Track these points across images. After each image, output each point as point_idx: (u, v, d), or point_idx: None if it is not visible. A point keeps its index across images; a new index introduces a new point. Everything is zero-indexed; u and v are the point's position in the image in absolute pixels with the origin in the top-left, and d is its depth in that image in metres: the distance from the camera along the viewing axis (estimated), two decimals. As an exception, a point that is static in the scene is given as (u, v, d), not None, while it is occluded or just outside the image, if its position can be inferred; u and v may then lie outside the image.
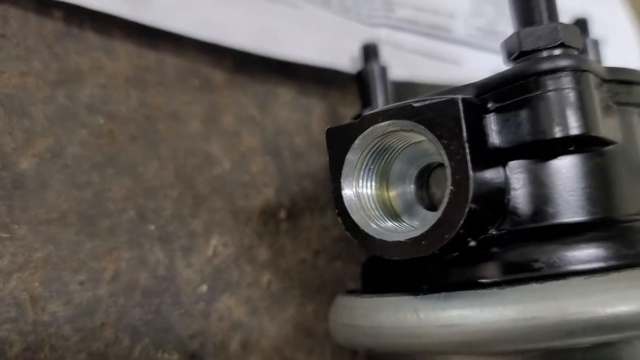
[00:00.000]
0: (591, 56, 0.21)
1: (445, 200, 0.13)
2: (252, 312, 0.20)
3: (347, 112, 0.25)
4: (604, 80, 0.15)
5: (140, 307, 0.18)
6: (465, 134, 0.13)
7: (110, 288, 0.18)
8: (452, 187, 0.13)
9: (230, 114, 0.22)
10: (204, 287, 0.19)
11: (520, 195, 0.15)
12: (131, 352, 0.18)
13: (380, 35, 0.25)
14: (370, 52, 0.21)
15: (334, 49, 0.23)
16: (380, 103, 0.21)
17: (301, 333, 0.21)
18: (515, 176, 0.15)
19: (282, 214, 0.22)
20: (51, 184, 0.18)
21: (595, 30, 0.31)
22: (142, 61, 0.21)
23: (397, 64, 0.24)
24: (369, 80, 0.21)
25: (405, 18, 0.26)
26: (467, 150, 0.13)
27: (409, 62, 0.25)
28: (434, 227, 0.13)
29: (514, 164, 0.15)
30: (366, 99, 0.21)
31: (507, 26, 0.28)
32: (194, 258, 0.20)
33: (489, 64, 0.27)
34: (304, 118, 0.24)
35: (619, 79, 0.16)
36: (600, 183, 0.15)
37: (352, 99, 0.24)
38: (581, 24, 0.22)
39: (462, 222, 0.13)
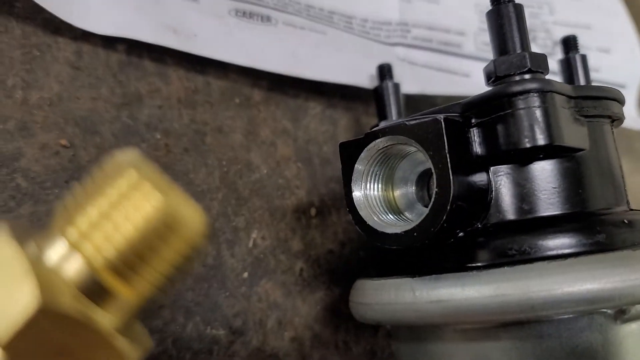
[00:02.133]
0: (578, 70, 0.24)
1: (432, 200, 0.17)
2: (287, 295, 0.24)
3: (370, 122, 0.28)
4: (571, 97, 0.18)
5: (192, 291, 0.22)
6: (446, 147, 0.16)
7: (169, 274, 0.22)
8: (437, 189, 0.17)
9: (267, 127, 0.26)
10: (246, 274, 0.23)
11: (500, 194, 0.18)
12: (185, 328, 0.22)
13: (397, 53, 0.28)
14: (384, 71, 0.25)
15: (355, 68, 0.27)
16: (394, 115, 0.24)
17: (329, 313, 0.24)
18: (496, 179, 0.18)
19: (312, 212, 0.26)
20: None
21: (600, 40, 0.33)
22: (191, 84, 0.25)
23: (411, 79, 0.27)
24: (383, 96, 0.24)
25: (419, 37, 0.29)
26: (448, 160, 0.16)
27: (423, 76, 0.28)
28: (423, 222, 0.17)
29: (494, 169, 0.18)
30: (382, 112, 0.25)
31: (515, 39, 0.30)
32: (237, 249, 0.23)
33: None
34: (331, 129, 0.27)
35: (584, 95, 0.19)
36: (569, 183, 0.18)
37: (373, 110, 0.28)
38: (570, 42, 0.24)
39: (444, 217, 0.16)
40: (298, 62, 0.26)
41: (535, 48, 0.30)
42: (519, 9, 0.18)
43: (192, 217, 0.13)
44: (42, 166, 0.21)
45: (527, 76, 0.18)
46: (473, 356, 0.18)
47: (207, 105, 0.25)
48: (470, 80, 0.29)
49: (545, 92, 0.17)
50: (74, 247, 0.12)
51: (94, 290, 0.12)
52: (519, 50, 0.18)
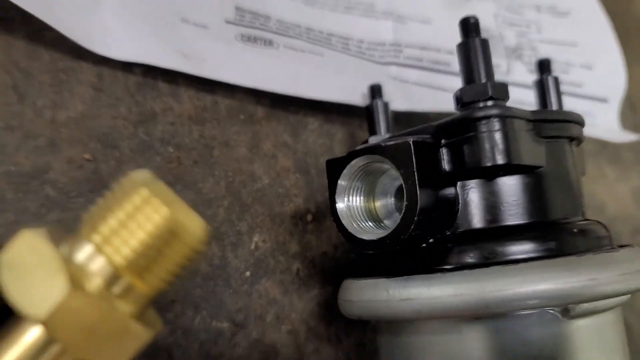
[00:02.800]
0: (551, 91, 0.26)
1: (402, 211, 0.19)
2: (285, 292, 0.26)
3: (364, 136, 0.30)
4: (529, 120, 0.21)
5: (200, 288, 0.25)
6: (414, 166, 0.19)
7: (179, 273, 0.25)
8: (406, 202, 0.19)
9: (269, 141, 0.28)
10: (248, 273, 0.26)
11: (467, 206, 0.21)
12: (193, 321, 0.25)
13: (390, 72, 0.31)
14: (375, 90, 0.27)
15: (350, 88, 0.29)
16: (383, 131, 0.27)
17: (322, 308, 0.27)
18: (463, 192, 0.21)
19: (309, 218, 0.28)
20: (137, 198, 0.25)
21: (584, 57, 0.35)
22: (201, 103, 0.27)
23: (403, 96, 0.30)
24: (373, 114, 0.27)
25: (411, 56, 0.31)
26: (416, 177, 0.19)
27: (413, 94, 0.30)
28: (394, 230, 0.19)
29: (461, 183, 0.21)
30: (372, 128, 0.27)
31: (499, 59, 0.33)
32: (240, 251, 0.26)
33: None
34: (328, 142, 0.30)
35: (543, 118, 0.21)
36: (529, 196, 0.21)
37: (367, 126, 0.30)
38: (544, 64, 0.26)
39: (412, 227, 0.19)
40: (298, 82, 0.28)
41: (521, 65, 0.32)
42: (484, 44, 0.21)
43: (194, 226, 0.16)
44: (68, 178, 0.24)
45: (489, 103, 0.20)
46: (440, 348, 0.20)
47: (215, 122, 0.27)
48: (458, 97, 0.32)
49: (505, 117, 0.20)
50: (98, 249, 0.15)
51: (114, 284, 0.15)
52: (483, 80, 0.20)
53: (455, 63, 0.30)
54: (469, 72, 0.21)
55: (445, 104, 0.31)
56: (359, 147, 0.21)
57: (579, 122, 0.23)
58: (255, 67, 0.28)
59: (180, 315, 0.25)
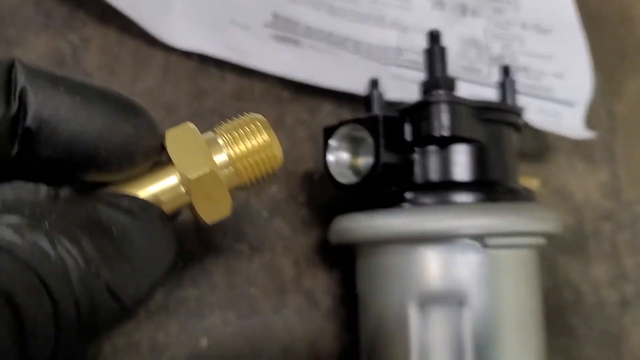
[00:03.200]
0: (508, 93, 0.33)
1: (370, 166, 0.27)
2: (292, 230, 0.34)
3: (366, 119, 0.38)
4: (472, 107, 0.28)
5: (228, 220, 0.34)
6: (380, 133, 0.27)
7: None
8: (374, 160, 0.27)
9: (291, 117, 0.37)
10: (265, 213, 0.34)
11: (423, 165, 0.29)
12: (222, 241, 0.34)
13: (390, 71, 0.39)
14: (373, 83, 0.35)
15: (357, 81, 0.37)
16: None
17: (320, 245, 0.34)
18: (421, 155, 0.29)
19: (316, 177, 0.36)
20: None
21: (556, 67, 0.42)
22: (240, 85, 0.36)
23: (397, 89, 0.37)
24: (370, 101, 0.35)
25: (409, 59, 0.39)
26: (381, 141, 0.27)
27: (406, 88, 0.38)
28: (364, 178, 0.27)
29: (419, 149, 0.28)
30: (368, 111, 0.35)
31: (483, 65, 0.40)
32: (262, 197, 0.35)
33: (468, 91, 0.40)
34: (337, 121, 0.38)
35: (482, 106, 0.29)
36: (470, 160, 0.28)
37: (369, 110, 0.38)
38: (506, 69, 0.34)
39: (376, 177, 0.27)
40: (317, 74, 0.37)
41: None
42: (442, 50, 0.29)
43: (279, 153, 0.23)
44: (142, 132, 0.33)
45: (440, 92, 0.28)
46: (396, 266, 0.28)
47: (251, 100, 0.36)
48: (445, 94, 0.39)
49: (450, 102, 0.28)
50: (225, 145, 0.22)
51: (226, 168, 0.22)
52: (439, 75, 0.28)
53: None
54: (429, 69, 0.29)
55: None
56: (345, 119, 0.29)
57: (515, 112, 0.30)
58: (284, 60, 0.36)
59: (212, 236, 0.33)
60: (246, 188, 0.23)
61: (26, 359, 0.14)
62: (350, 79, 0.37)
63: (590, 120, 0.46)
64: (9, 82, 0.16)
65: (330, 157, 0.29)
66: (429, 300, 0.28)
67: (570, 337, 0.41)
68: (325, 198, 0.36)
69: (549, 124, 0.41)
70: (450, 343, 0.27)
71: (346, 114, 0.38)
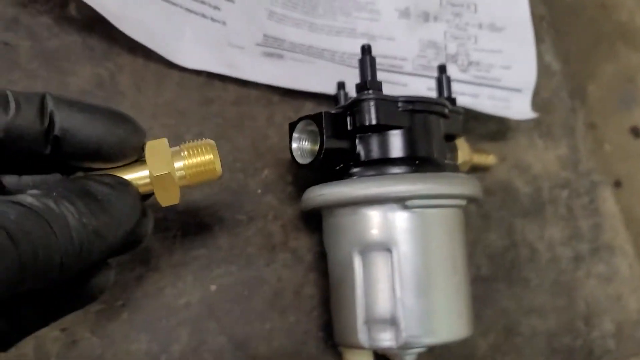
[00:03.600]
0: (444, 84, 0.42)
1: (317, 150, 0.37)
2: (280, 203, 0.44)
3: (342, 113, 0.48)
4: (397, 101, 0.37)
5: (229, 197, 0.44)
6: (323, 125, 0.36)
7: (221, 189, 0.44)
8: (319, 145, 0.37)
9: (279, 115, 0.47)
10: (259, 191, 0.44)
11: (362, 148, 0.38)
12: (223, 214, 0.44)
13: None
14: (339, 84, 0.45)
15: (332, 84, 0.47)
16: (342, 110, 0.44)
17: (303, 213, 0.45)
18: (360, 140, 0.38)
19: (302, 163, 0.46)
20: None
21: (505, 60, 0.50)
22: (239, 92, 0.46)
23: (364, 88, 0.46)
24: (338, 99, 0.45)
25: (377, 63, 0.48)
26: (324, 132, 0.36)
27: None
28: (314, 159, 0.37)
29: (359, 135, 0.38)
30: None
31: (439, 61, 0.49)
32: (256, 178, 0.44)
33: (425, 85, 0.48)
34: (318, 117, 0.48)
35: (407, 100, 0.37)
36: (400, 141, 0.37)
37: (344, 106, 0.48)
38: (442, 68, 0.42)
39: (321, 157, 0.36)
40: (298, 80, 0.46)
41: (454, 67, 0.48)
42: (372, 59, 0.38)
43: (218, 167, 0.30)
44: (162, 133, 0.44)
45: (370, 92, 0.37)
46: (346, 225, 0.38)
47: (246, 104, 0.46)
48: (407, 89, 0.48)
49: (376, 99, 0.37)
50: (182, 158, 0.30)
51: (179, 174, 0.29)
52: (368, 79, 0.37)
53: (407, 66, 0.47)
54: (361, 74, 0.38)
55: (395, 92, 0.48)
56: (303, 116, 0.39)
57: (440, 103, 0.39)
58: (271, 72, 0.46)
59: (218, 209, 0.44)
60: (192, 187, 0.31)
61: (33, 282, 0.21)
62: (326, 82, 0.47)
63: (552, 101, 0.53)
64: (43, 107, 0.25)
65: (294, 145, 0.39)
66: (368, 249, 0.37)
67: (525, 288, 0.49)
68: (307, 178, 0.46)
69: (499, 109, 0.48)
70: (385, 281, 0.37)
71: (325, 109, 0.48)
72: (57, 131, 0.26)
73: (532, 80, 0.49)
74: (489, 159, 0.48)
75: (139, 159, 0.30)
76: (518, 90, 0.49)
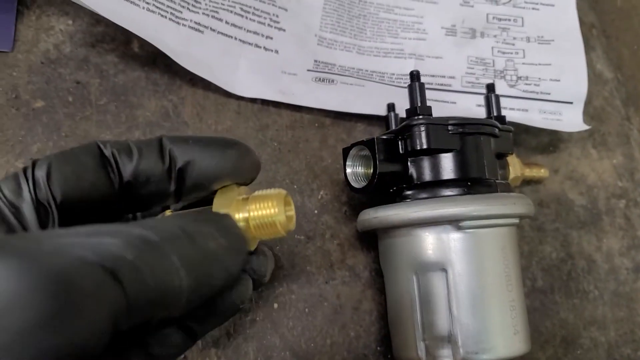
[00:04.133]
0: (493, 103, 0.43)
1: (370, 174, 0.38)
2: (337, 222, 0.46)
3: (393, 132, 0.49)
4: (446, 124, 0.38)
5: (291, 220, 0.46)
6: (376, 150, 0.38)
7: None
8: (373, 169, 0.38)
9: (332, 138, 0.49)
10: (316, 211, 0.46)
11: (415, 170, 0.39)
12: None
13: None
14: (389, 106, 0.46)
15: (382, 104, 0.48)
16: (394, 131, 0.46)
17: (359, 232, 0.47)
18: (412, 163, 0.39)
19: (355, 183, 0.48)
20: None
21: (554, 73, 0.50)
22: (293, 117, 0.48)
23: (414, 108, 0.48)
24: (388, 120, 0.46)
25: (425, 82, 0.49)
26: (377, 156, 0.38)
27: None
28: (368, 183, 0.38)
29: (412, 159, 0.39)
30: (388, 129, 0.46)
31: (488, 79, 0.50)
32: (312, 199, 0.46)
33: (474, 102, 0.49)
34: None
35: (457, 123, 0.38)
36: (452, 163, 0.38)
37: (395, 126, 0.49)
38: (490, 86, 0.43)
39: (375, 181, 0.38)
40: (348, 103, 0.48)
41: (503, 82, 0.49)
42: (421, 85, 0.39)
43: (289, 224, 0.30)
44: (223, 160, 0.46)
45: (420, 117, 0.38)
46: (401, 245, 0.39)
47: (300, 128, 0.48)
48: (456, 106, 0.49)
49: (426, 124, 0.38)
50: (248, 206, 0.29)
51: (242, 224, 0.29)
52: (418, 104, 0.39)
53: (455, 84, 0.48)
54: (411, 100, 0.39)
55: (449, 111, 0.49)
56: (355, 142, 0.40)
57: (489, 124, 0.40)
58: (322, 96, 0.48)
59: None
60: (257, 239, 0.30)
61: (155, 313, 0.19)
62: (376, 104, 0.48)
63: (605, 110, 0.53)
64: (161, 147, 0.27)
65: (348, 170, 0.41)
66: (423, 269, 0.38)
67: (583, 299, 0.49)
68: (362, 198, 0.47)
69: (551, 123, 0.49)
70: (441, 300, 0.38)
71: (376, 130, 0.50)
72: (179, 165, 0.27)
73: (583, 92, 0.49)
74: (541, 172, 0.48)
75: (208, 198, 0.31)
76: (569, 102, 0.49)
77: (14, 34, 0.44)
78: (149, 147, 0.28)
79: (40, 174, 0.25)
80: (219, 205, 0.28)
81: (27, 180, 0.25)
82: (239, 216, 0.28)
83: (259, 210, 0.28)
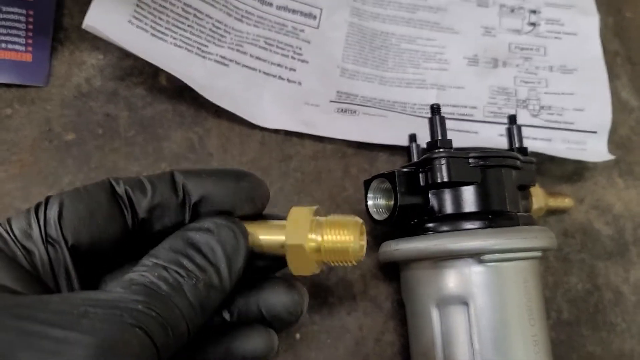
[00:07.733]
0: (514, 134, 0.43)
1: (392, 206, 0.39)
2: (360, 254, 0.47)
3: (415, 162, 0.49)
4: (466, 157, 0.38)
5: (314, 250, 0.46)
6: (397, 183, 0.38)
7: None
8: (394, 202, 0.38)
9: (355, 168, 0.49)
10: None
11: (436, 203, 0.39)
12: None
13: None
14: (411, 138, 0.46)
15: (404, 135, 0.48)
16: (415, 161, 0.46)
17: (380, 263, 0.47)
18: (433, 196, 0.39)
19: (378, 213, 0.48)
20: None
21: (578, 103, 0.50)
22: (315, 148, 0.49)
23: (435, 138, 0.48)
24: (411, 152, 0.46)
25: (446, 112, 0.50)
26: (397, 189, 0.38)
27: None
28: (389, 216, 0.39)
29: (432, 191, 0.39)
30: (410, 160, 0.46)
31: (510, 109, 0.50)
32: (335, 231, 0.47)
33: (496, 132, 0.49)
34: (391, 168, 0.49)
35: (478, 156, 0.38)
36: (472, 196, 0.38)
37: (417, 156, 0.49)
38: (512, 117, 0.43)
39: (396, 214, 0.38)
40: (371, 134, 0.48)
41: (526, 112, 0.49)
42: (442, 119, 0.39)
43: (360, 252, 0.29)
44: (247, 191, 0.47)
45: (441, 150, 0.39)
46: (422, 277, 0.39)
47: (323, 158, 0.49)
48: (478, 136, 0.49)
49: (447, 157, 0.38)
50: (322, 230, 0.28)
51: (314, 247, 0.28)
52: (439, 137, 0.39)
53: (477, 114, 0.48)
54: (432, 133, 0.39)
55: (471, 141, 0.49)
56: (377, 174, 0.41)
57: (511, 156, 0.40)
58: (345, 127, 0.48)
59: (303, 264, 0.46)
60: (326, 264, 0.30)
61: (168, 353, 0.22)
62: (398, 134, 0.48)
63: (631, 139, 0.52)
64: (174, 181, 0.28)
65: (369, 202, 0.41)
66: (445, 302, 0.38)
67: (611, 332, 0.48)
68: (382, 228, 0.47)
69: (575, 152, 0.48)
70: (463, 334, 0.37)
71: (399, 160, 0.50)
72: (194, 199, 0.28)
73: (607, 121, 0.49)
74: (565, 202, 0.48)
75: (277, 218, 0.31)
76: (593, 132, 0.49)
77: (49, 69, 0.46)
78: (161, 181, 0.28)
79: (52, 213, 0.25)
80: (292, 225, 0.28)
81: (39, 220, 0.25)
82: (311, 236, 0.28)
83: (334, 235, 0.28)
